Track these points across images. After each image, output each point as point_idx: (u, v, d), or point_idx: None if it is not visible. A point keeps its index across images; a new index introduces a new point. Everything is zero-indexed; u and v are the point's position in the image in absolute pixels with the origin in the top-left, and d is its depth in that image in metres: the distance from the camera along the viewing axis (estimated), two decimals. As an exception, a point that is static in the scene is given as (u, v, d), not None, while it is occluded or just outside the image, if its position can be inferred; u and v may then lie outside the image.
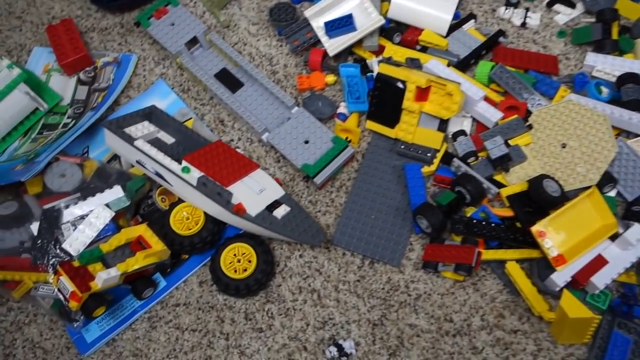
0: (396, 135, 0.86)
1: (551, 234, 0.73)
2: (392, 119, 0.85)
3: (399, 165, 0.86)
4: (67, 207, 0.80)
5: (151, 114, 0.89)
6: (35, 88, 0.94)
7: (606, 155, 0.79)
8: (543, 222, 0.73)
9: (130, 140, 0.80)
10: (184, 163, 0.77)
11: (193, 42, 0.97)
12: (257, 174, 0.82)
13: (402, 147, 0.86)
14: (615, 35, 0.91)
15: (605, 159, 0.79)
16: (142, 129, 0.87)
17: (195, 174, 0.76)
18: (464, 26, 0.96)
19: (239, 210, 0.75)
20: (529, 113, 0.85)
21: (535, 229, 0.72)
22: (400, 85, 0.82)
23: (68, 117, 0.95)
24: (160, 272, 0.81)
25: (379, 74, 0.84)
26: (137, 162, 0.82)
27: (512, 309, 0.75)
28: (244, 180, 0.79)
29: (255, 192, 0.79)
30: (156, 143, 0.87)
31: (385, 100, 0.85)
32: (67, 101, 0.97)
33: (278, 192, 0.81)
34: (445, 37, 0.94)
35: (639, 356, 0.68)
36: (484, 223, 0.77)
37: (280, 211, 0.78)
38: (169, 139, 0.89)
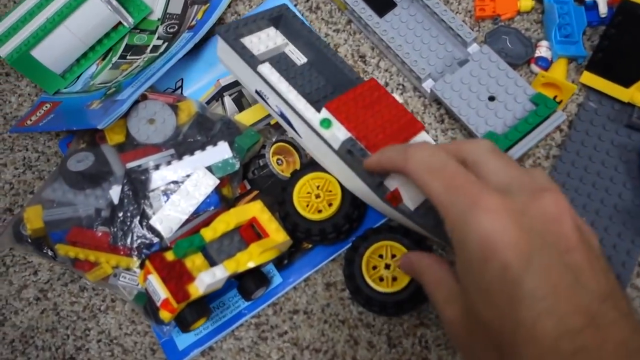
0: (631, 98, 0.57)
1: None
2: (629, 74, 0.56)
3: (630, 144, 0.58)
4: (156, 167, 0.59)
5: (280, 19, 0.63)
6: (118, -5, 0.71)
7: None
8: None
9: (253, 62, 0.55)
10: (325, 113, 0.53)
11: (328, -61, 0.69)
12: (420, 140, 0.56)
13: (638, 116, 0.57)
14: None
15: None
16: (266, 41, 0.62)
17: (339, 133, 0.52)
18: None
19: (393, 199, 0.51)
20: None
21: None
22: (660, 21, 0.53)
23: (158, 38, 0.72)
24: (274, 263, 0.60)
25: (625, 1, 0.54)
26: (257, 92, 0.58)
27: None
28: None
29: None
30: (282, 62, 0.62)
31: (625, 44, 0.56)
32: (157, 15, 0.74)
33: (449, 173, 0.56)
34: None
35: None
36: None
37: (454, 204, 0.53)
38: (299, 58, 0.63)
